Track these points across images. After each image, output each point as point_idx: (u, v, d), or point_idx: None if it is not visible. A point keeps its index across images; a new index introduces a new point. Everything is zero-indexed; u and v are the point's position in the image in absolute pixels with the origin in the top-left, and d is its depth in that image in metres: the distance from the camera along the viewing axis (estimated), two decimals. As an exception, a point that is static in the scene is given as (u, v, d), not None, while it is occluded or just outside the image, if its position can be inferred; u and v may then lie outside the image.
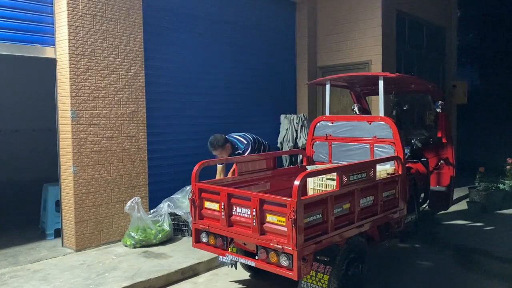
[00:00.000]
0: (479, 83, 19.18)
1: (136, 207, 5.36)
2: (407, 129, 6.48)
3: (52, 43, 5.22)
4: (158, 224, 5.49)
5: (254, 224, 3.52)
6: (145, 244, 5.32)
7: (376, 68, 8.11)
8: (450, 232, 6.46)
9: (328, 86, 5.64)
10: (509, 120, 15.43)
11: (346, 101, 8.37)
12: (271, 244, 3.39)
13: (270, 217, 3.46)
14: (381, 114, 4.93)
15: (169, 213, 5.64)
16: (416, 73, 9.33)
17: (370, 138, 4.92)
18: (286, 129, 8.07)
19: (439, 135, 6.03)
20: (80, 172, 5.19)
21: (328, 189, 3.99)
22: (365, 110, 6.42)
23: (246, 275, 4.69)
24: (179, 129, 6.55)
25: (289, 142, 8.04)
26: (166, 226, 5.52)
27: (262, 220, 3.50)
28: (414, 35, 9.54)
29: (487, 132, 14.91)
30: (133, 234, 5.30)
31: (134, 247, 5.30)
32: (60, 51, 5.16)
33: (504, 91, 16.56)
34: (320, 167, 4.82)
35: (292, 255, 3.28)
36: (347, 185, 3.73)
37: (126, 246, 5.34)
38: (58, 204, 5.52)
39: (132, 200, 5.40)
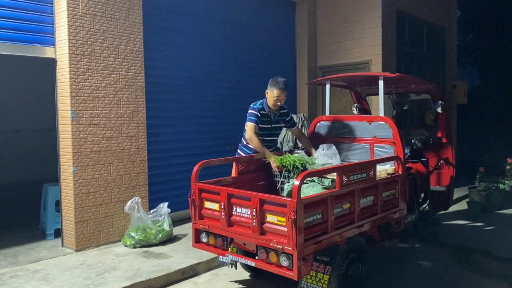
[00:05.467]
0: (479, 83, 19.19)
1: (136, 207, 5.36)
2: (407, 129, 6.48)
3: (52, 43, 5.22)
4: (158, 224, 5.49)
5: (254, 224, 3.52)
6: (145, 244, 5.32)
7: (376, 68, 8.11)
8: (450, 232, 6.46)
9: (328, 86, 5.64)
10: (509, 120, 15.44)
11: (346, 101, 8.38)
12: (271, 244, 3.39)
13: (270, 217, 3.46)
14: (381, 114, 4.93)
15: None
16: (416, 73, 9.34)
17: (370, 138, 4.92)
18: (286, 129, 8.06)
19: (439, 135, 6.03)
20: (80, 172, 5.19)
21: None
22: (365, 110, 6.42)
23: (246, 275, 4.69)
24: (179, 129, 6.56)
25: (289, 142, 8.03)
26: (166, 226, 5.52)
27: (262, 220, 3.50)
28: (414, 35, 9.54)
29: (487, 132, 14.92)
30: (133, 234, 5.30)
31: (134, 247, 5.30)
32: (60, 51, 5.16)
33: (504, 91, 16.57)
34: (320, 167, 4.81)
35: (292, 255, 3.28)
36: (347, 185, 3.73)
37: (126, 246, 5.34)
38: (58, 204, 5.52)
39: (132, 200, 5.40)
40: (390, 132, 4.71)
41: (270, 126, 4.94)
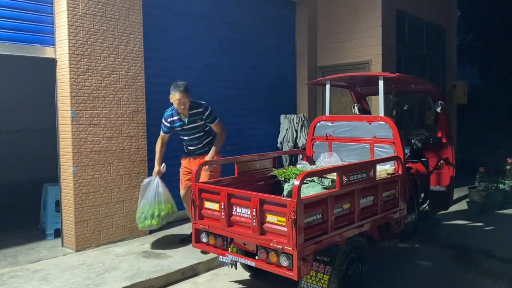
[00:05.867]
0: (479, 83, 19.21)
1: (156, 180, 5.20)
2: (407, 129, 6.48)
3: (52, 43, 5.22)
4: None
5: (254, 224, 3.52)
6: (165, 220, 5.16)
7: (376, 68, 8.12)
8: (450, 232, 6.46)
9: (328, 86, 5.64)
10: (509, 120, 15.46)
11: (346, 101, 8.38)
12: (271, 244, 3.39)
13: (270, 217, 3.46)
14: (381, 114, 4.93)
15: None
16: (416, 73, 9.34)
17: (370, 138, 4.92)
18: (286, 129, 8.08)
19: (439, 135, 6.03)
20: (80, 172, 5.19)
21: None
22: (365, 110, 6.42)
23: (246, 275, 4.69)
24: (179, 129, 6.54)
25: (289, 142, 8.04)
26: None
27: (262, 220, 3.50)
28: (414, 35, 9.55)
29: (487, 132, 14.93)
30: (156, 212, 5.08)
31: (159, 224, 5.10)
32: (60, 51, 5.16)
33: (504, 91, 16.59)
34: (320, 167, 4.82)
35: (292, 255, 3.28)
36: (347, 185, 3.73)
37: (152, 226, 5.12)
38: (58, 204, 5.51)
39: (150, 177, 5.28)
40: (390, 132, 4.71)
41: (186, 127, 5.19)
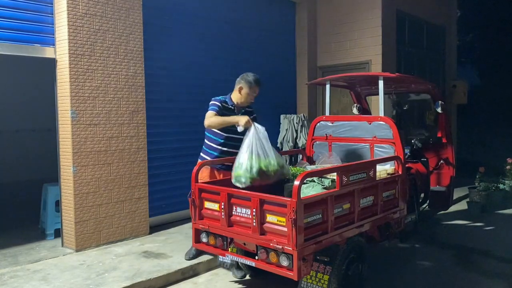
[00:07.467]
0: (479, 83, 19.19)
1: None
2: (407, 129, 6.48)
3: (52, 43, 5.22)
4: None
5: (254, 224, 3.52)
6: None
7: (376, 68, 8.12)
8: (450, 232, 6.47)
9: (328, 86, 5.65)
10: (509, 120, 15.45)
11: (346, 101, 8.38)
12: (271, 244, 3.39)
13: (270, 217, 3.46)
14: (381, 114, 4.93)
15: None
16: (416, 73, 9.34)
17: (370, 138, 4.92)
18: (286, 129, 8.08)
19: (439, 135, 6.03)
20: (80, 172, 5.19)
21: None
22: (365, 110, 6.42)
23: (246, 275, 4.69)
24: (179, 129, 6.55)
25: (289, 142, 8.04)
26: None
27: (262, 220, 3.50)
28: (414, 35, 9.55)
29: (487, 132, 14.92)
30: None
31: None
32: (60, 51, 5.16)
33: (504, 91, 16.57)
34: (319, 167, 4.81)
35: (292, 255, 3.28)
36: (347, 185, 3.73)
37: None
38: (58, 204, 5.52)
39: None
40: (390, 132, 4.71)
41: None
